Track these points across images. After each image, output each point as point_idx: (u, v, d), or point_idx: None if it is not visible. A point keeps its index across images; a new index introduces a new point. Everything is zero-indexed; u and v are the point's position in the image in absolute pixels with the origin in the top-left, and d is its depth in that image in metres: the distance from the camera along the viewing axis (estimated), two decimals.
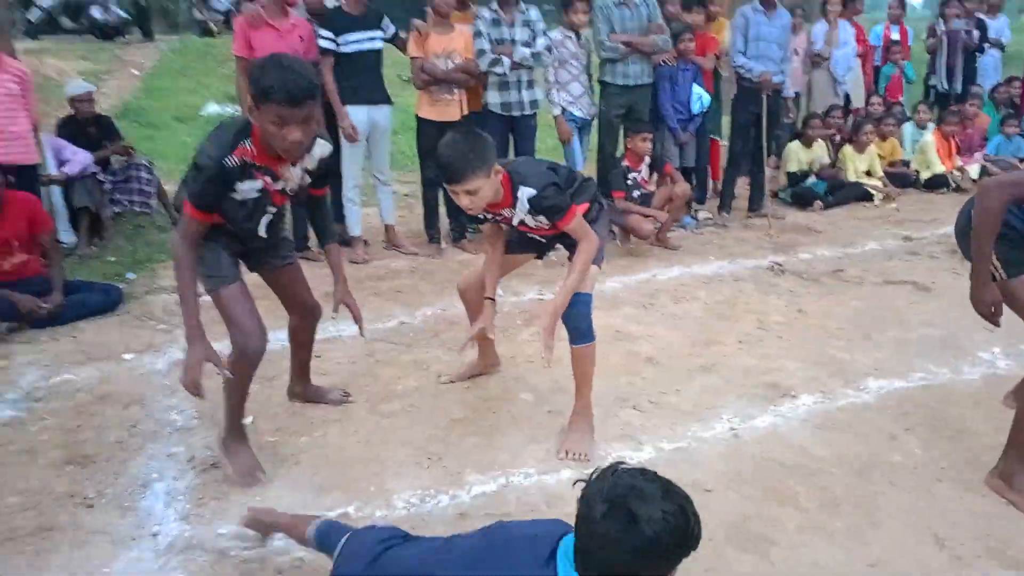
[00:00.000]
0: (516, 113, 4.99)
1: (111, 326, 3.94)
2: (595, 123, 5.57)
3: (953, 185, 6.86)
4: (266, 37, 4.43)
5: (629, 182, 5.18)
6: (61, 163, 5.17)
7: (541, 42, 4.96)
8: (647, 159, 5.23)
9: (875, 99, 7.51)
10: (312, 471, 2.66)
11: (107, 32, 14.93)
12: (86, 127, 5.53)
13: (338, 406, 3.09)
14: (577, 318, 2.71)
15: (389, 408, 3.11)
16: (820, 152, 6.63)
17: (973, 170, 7.01)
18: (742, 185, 6.19)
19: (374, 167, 5.10)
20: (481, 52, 4.84)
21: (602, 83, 5.39)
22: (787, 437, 2.89)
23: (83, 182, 5.15)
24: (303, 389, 3.12)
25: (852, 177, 6.63)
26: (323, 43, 4.65)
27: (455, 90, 4.86)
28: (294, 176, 2.45)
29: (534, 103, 5.06)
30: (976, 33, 8.44)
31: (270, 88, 2.12)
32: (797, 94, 7.17)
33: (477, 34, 4.86)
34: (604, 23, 5.23)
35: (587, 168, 5.52)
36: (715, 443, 2.85)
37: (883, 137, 7.05)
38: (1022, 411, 2.48)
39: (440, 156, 2.45)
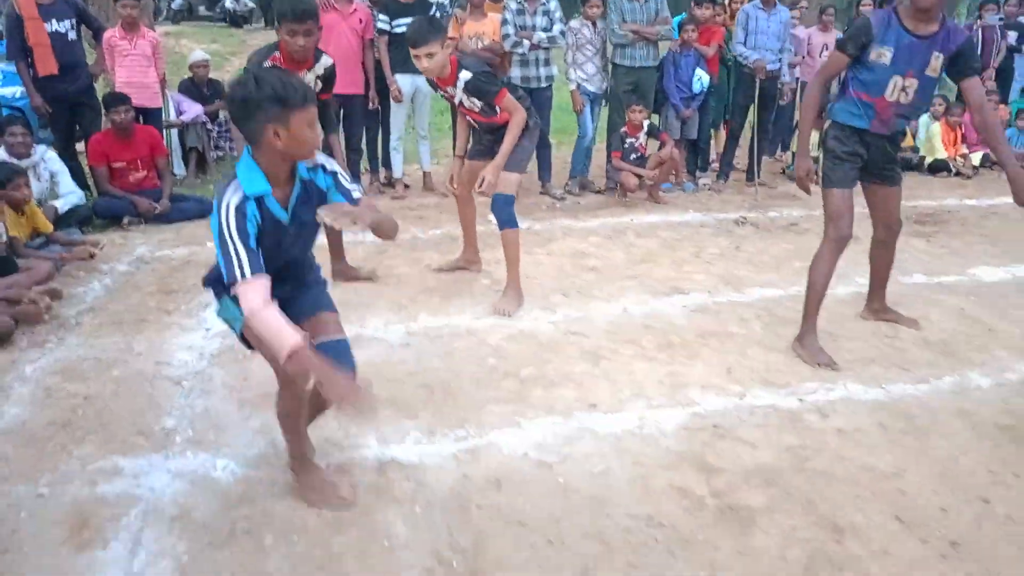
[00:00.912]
0: (534, 85, 6.04)
1: (201, 225, 5.27)
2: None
3: (954, 170, 7.40)
4: (332, 18, 5.69)
5: (626, 145, 6.15)
6: (180, 113, 6.64)
7: (557, 28, 6.00)
8: (645, 127, 6.18)
9: None
10: None
11: (236, 20, 16.91)
12: (201, 87, 7.00)
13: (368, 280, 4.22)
14: (500, 210, 3.78)
15: (384, 279, 4.26)
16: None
17: (976, 158, 7.52)
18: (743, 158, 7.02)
19: (416, 124, 6.29)
20: (506, 35, 5.91)
21: (613, 64, 6.37)
22: (660, 314, 3.85)
23: (194, 128, 6.60)
24: (342, 266, 4.24)
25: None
26: (380, 24, 5.86)
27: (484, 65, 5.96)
28: (308, 79, 3.63)
29: (549, 78, 6.11)
30: (1013, 34, 8.86)
31: (283, 11, 3.36)
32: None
33: (504, 21, 5.94)
34: (616, 13, 6.21)
35: (598, 136, 6.54)
36: (609, 315, 3.84)
37: None
38: (810, 285, 3.37)
39: (407, 30, 3.58)
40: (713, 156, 7.19)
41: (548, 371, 3.22)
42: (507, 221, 3.80)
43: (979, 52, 8.84)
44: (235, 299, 1.97)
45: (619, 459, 2.59)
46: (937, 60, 3.13)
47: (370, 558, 2.11)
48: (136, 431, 2.70)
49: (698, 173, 6.89)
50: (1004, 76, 8.96)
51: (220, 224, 1.94)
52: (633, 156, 6.19)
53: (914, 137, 7.80)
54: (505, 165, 3.75)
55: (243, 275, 1.90)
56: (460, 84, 3.70)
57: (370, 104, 6.00)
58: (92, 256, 4.52)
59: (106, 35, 5.77)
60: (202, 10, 17.46)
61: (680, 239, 5.22)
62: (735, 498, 2.40)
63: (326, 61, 3.76)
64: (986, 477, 2.54)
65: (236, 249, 1.91)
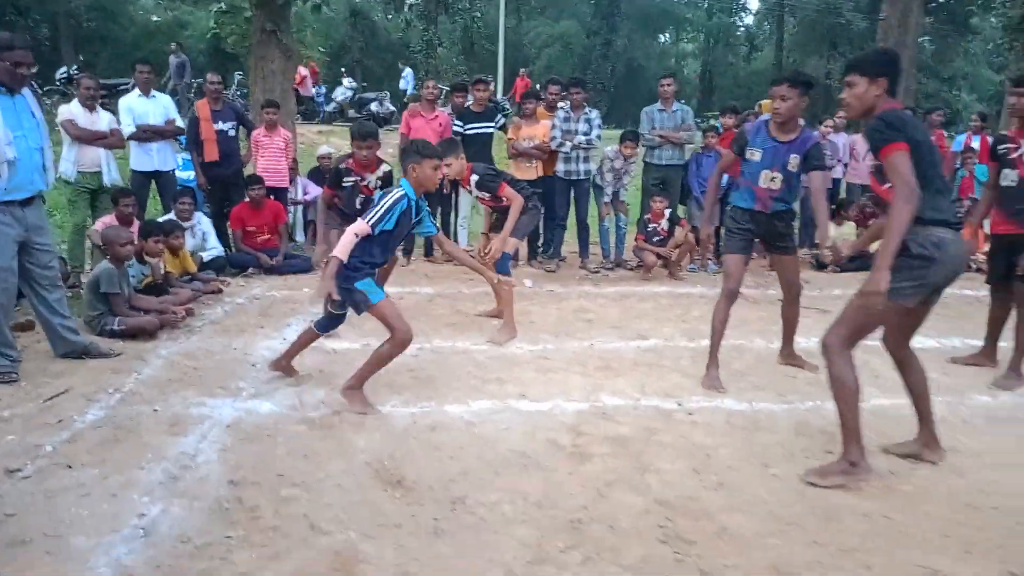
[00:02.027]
0: (574, 178, 7.42)
1: (303, 277, 6.90)
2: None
3: (974, 267, 7.98)
4: (418, 122, 7.37)
5: (648, 230, 7.35)
6: (305, 193, 8.48)
7: (595, 132, 7.38)
8: (667, 215, 7.36)
9: None
10: None
11: (379, 120, 19.48)
12: (324, 174, 8.85)
13: None
14: (501, 265, 5.09)
15: (420, 317, 5.64)
16: (847, 230, 8.20)
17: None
18: None
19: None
20: (553, 138, 7.36)
21: (644, 162, 7.65)
22: (616, 350, 4.97)
23: (314, 205, 8.40)
24: None
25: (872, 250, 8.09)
26: (455, 127, 7.48)
27: (533, 161, 7.41)
28: (371, 179, 5.13)
29: (588, 172, 7.46)
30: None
31: (353, 133, 4.93)
32: (868, 187, 8.83)
33: (553, 126, 7.40)
34: (647, 122, 7.55)
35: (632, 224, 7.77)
36: (576, 349, 5.01)
37: None
38: (713, 329, 4.41)
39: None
40: None
41: (507, 377, 4.44)
42: (503, 271, 5.11)
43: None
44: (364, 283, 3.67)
45: (522, 424, 3.76)
46: (795, 159, 4.23)
47: (339, 454, 3.39)
48: (219, 386, 4.16)
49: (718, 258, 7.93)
50: None
51: (387, 199, 3.71)
52: (655, 239, 7.36)
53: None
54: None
55: (368, 222, 3.64)
56: (472, 183, 5.14)
57: (444, 190, 7.56)
58: (220, 291, 6.22)
59: (253, 132, 7.72)
60: (351, 112, 20.29)
61: (673, 305, 6.30)
62: (587, 448, 3.51)
63: (385, 168, 5.25)
64: (780, 452, 3.51)
65: (382, 213, 3.69)
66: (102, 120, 6.43)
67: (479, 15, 34.36)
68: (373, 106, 20.08)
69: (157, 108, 7.06)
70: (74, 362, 4.46)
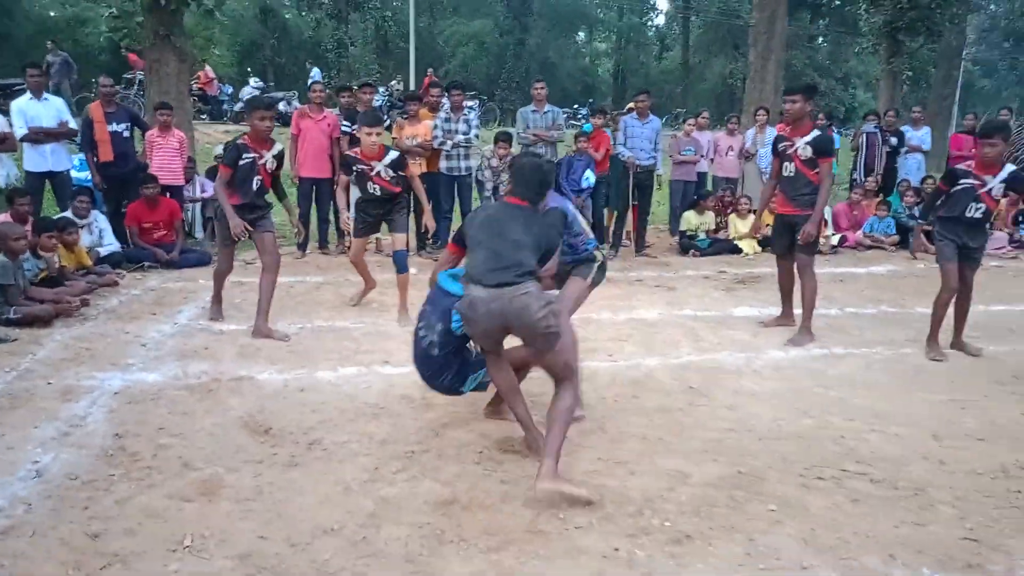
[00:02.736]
0: (456, 174, 8.07)
1: (199, 270, 7.34)
2: None
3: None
4: (307, 123, 7.88)
5: None
6: (203, 191, 8.86)
7: (473, 132, 8.05)
8: None
9: None
10: None
11: (287, 119, 19.48)
12: None
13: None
14: (400, 259, 5.71)
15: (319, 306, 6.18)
16: (708, 219, 9.12)
17: (835, 239, 9.19)
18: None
19: None
20: (435, 137, 7.99)
21: None
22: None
23: (211, 202, 8.79)
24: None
25: (731, 236, 9.05)
26: (344, 128, 8.02)
27: (416, 159, 8.02)
28: (267, 158, 5.50)
29: (468, 168, 8.13)
30: (894, 139, 10.56)
31: (257, 103, 5.35)
32: (731, 180, 9.77)
33: (435, 126, 8.03)
34: (521, 122, 8.27)
35: None
36: None
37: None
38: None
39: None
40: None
41: (376, 349, 5.05)
42: (401, 265, 5.71)
43: (864, 155, 10.59)
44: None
45: (381, 384, 4.39)
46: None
47: (215, 412, 3.93)
48: (110, 363, 4.64)
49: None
50: (891, 175, 10.61)
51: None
52: None
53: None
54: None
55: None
56: (389, 158, 5.54)
57: (335, 185, 8.08)
58: (116, 283, 6.61)
59: (147, 133, 8.07)
60: None
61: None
62: (433, 400, 4.14)
63: (278, 147, 5.51)
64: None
65: None
66: None
67: (390, 14, 34.65)
68: (281, 105, 20.19)
69: (49, 110, 7.36)
70: None
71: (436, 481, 3.26)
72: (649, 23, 48.57)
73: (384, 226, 6.11)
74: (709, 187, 10.21)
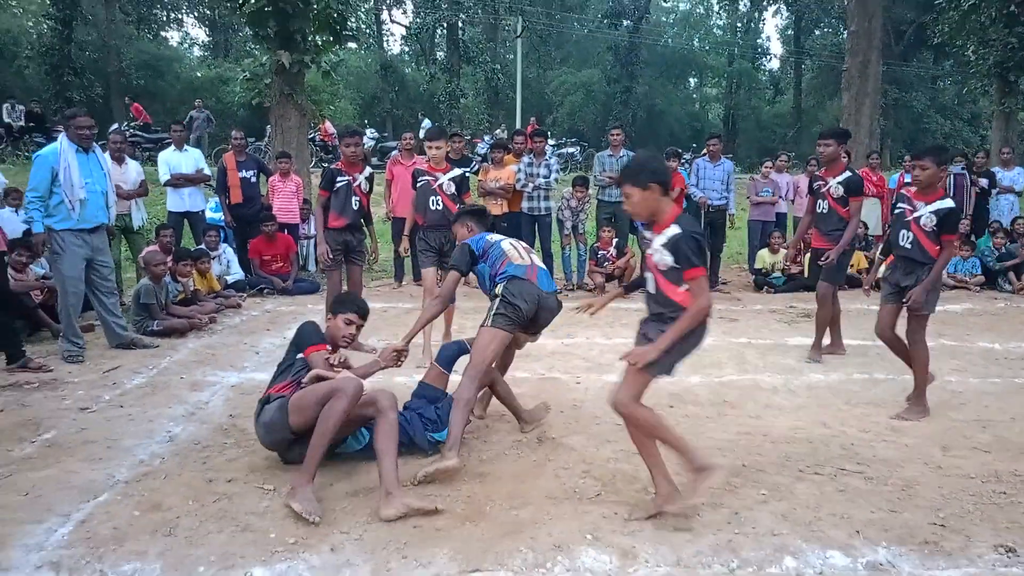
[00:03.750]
0: (536, 213, 8.82)
1: (310, 297, 8.36)
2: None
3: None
4: (399, 169, 8.87)
5: (599, 256, 8.70)
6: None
7: (553, 176, 8.79)
8: (614, 243, 8.71)
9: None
10: None
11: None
12: None
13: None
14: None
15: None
16: (780, 257, 9.45)
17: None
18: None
19: None
20: (518, 180, 8.78)
21: (598, 200, 9.02)
22: (540, 344, 6.28)
23: None
24: None
25: (758, 266, 9.39)
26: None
27: (499, 200, 8.82)
28: (361, 180, 6.32)
29: (547, 208, 8.85)
30: (984, 181, 10.54)
31: (341, 132, 6.46)
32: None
33: (518, 170, 8.82)
34: (599, 165, 8.95)
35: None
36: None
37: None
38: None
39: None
40: None
41: None
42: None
43: (952, 197, 10.58)
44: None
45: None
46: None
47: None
48: (229, 364, 5.59)
49: None
50: (980, 216, 10.56)
51: None
52: (606, 264, 8.71)
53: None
54: None
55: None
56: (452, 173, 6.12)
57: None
58: (239, 306, 7.70)
59: (270, 179, 9.28)
60: (375, 160, 22.06)
61: (610, 316, 7.57)
62: None
63: (368, 170, 6.20)
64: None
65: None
66: (130, 170, 7.79)
67: (499, 66, 36.35)
68: (394, 153, 21.80)
69: (188, 160, 8.68)
70: (124, 350, 5.93)
71: (478, 460, 3.91)
72: (761, 67, 48.42)
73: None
74: (789, 227, 10.51)
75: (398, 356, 3.86)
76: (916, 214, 4.66)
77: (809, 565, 2.94)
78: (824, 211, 5.66)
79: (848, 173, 5.55)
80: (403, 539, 3.06)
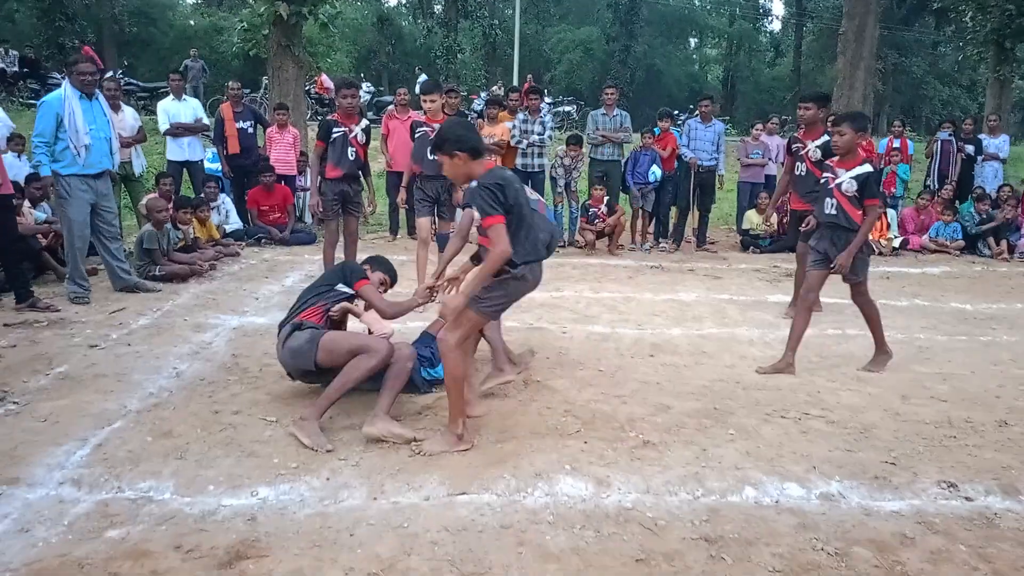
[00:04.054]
0: (529, 170, 8.98)
1: (306, 248, 8.55)
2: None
3: (876, 250, 9.38)
4: (394, 123, 9.00)
5: (589, 213, 8.90)
6: None
7: (547, 134, 8.94)
8: (605, 201, 8.90)
9: None
10: None
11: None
12: None
13: None
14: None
15: None
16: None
17: (896, 241, 9.52)
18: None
19: None
20: (513, 136, 8.93)
21: (590, 158, 9.19)
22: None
23: None
24: None
25: (745, 227, 9.63)
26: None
27: (493, 156, 8.97)
28: (357, 131, 6.49)
29: (541, 166, 9.02)
30: (970, 147, 10.73)
31: (337, 83, 6.44)
32: None
33: (513, 126, 8.96)
34: (592, 123, 9.10)
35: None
36: None
37: None
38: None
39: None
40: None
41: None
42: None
43: (938, 163, 10.81)
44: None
45: None
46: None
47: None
48: (231, 309, 5.81)
49: (660, 239, 9.44)
50: (965, 182, 10.78)
51: None
52: (596, 221, 8.91)
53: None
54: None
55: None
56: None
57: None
58: (238, 254, 7.90)
59: (267, 130, 9.40)
60: (370, 114, 22.03)
61: (594, 270, 7.83)
62: None
63: (364, 122, 6.34)
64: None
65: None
66: (127, 117, 7.83)
67: (498, 22, 35.97)
68: (390, 108, 21.79)
69: (187, 109, 8.79)
70: (128, 294, 6.15)
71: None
72: (762, 29, 47.96)
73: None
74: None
75: (431, 292, 4.11)
76: (837, 180, 4.73)
77: (767, 494, 3.22)
78: (802, 173, 5.86)
79: (826, 137, 5.72)
80: (397, 466, 3.33)
